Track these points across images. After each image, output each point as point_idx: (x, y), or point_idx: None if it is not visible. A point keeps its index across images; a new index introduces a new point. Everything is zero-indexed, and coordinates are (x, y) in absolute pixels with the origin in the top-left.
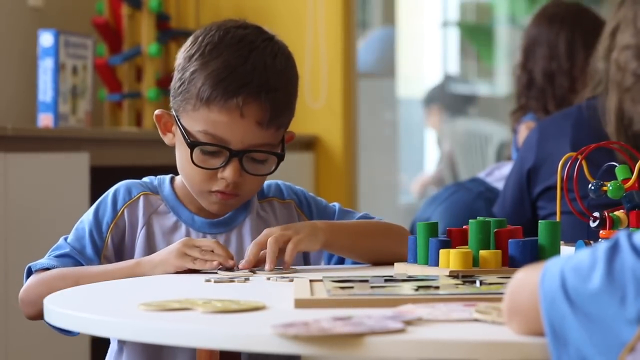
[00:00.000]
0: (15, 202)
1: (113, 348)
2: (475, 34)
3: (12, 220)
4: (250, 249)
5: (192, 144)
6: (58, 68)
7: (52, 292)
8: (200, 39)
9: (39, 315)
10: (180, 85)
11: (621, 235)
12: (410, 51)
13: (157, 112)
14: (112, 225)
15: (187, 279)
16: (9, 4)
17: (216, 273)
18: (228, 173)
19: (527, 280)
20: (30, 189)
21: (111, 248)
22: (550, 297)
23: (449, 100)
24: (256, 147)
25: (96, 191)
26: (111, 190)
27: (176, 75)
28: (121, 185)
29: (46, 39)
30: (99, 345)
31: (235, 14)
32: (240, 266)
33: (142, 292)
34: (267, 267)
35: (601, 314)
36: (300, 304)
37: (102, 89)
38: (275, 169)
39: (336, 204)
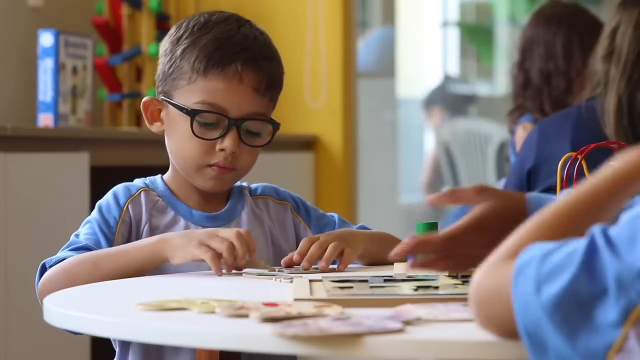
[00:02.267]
0: (15, 202)
1: (117, 351)
2: (475, 34)
3: (12, 220)
4: (304, 246)
5: (193, 112)
6: (58, 68)
7: (72, 278)
8: (184, 24)
9: None
10: (171, 67)
11: (596, 233)
12: (410, 51)
13: (144, 99)
14: (119, 221)
15: (187, 279)
16: (9, 4)
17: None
18: (227, 143)
19: (491, 287)
20: (30, 189)
21: (121, 243)
22: (524, 303)
23: (449, 101)
24: (253, 116)
25: (96, 191)
26: (109, 193)
27: (163, 61)
28: (118, 186)
29: (46, 39)
30: (99, 345)
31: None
32: (302, 266)
33: (142, 292)
34: (320, 266)
35: (581, 317)
36: None
37: (102, 89)
38: (271, 140)
39: (335, 215)
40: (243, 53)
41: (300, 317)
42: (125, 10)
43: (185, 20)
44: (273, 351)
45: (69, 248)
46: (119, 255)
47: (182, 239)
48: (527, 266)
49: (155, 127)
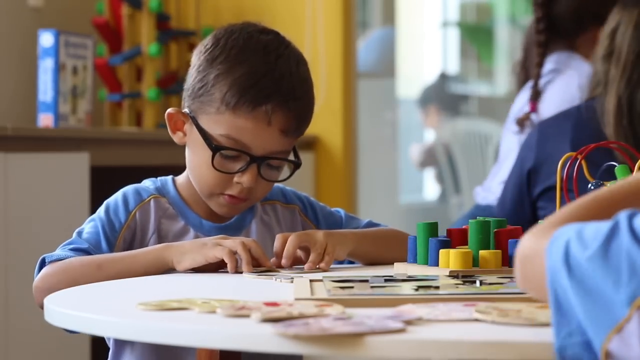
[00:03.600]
0: (15, 202)
1: (112, 350)
2: (475, 34)
3: (12, 220)
4: (287, 249)
5: (216, 147)
6: (58, 68)
7: (72, 279)
8: (222, 41)
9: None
10: (202, 87)
11: (622, 216)
12: (410, 51)
13: (169, 110)
14: (125, 226)
15: (188, 279)
16: (9, 4)
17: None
18: (246, 178)
19: (535, 249)
20: (30, 189)
21: (122, 248)
22: (553, 269)
23: (447, 100)
24: (275, 154)
25: (96, 191)
26: (119, 193)
27: (195, 76)
28: (129, 188)
29: (46, 39)
30: (99, 345)
31: (235, 14)
32: (283, 263)
33: (142, 291)
34: (306, 267)
35: (597, 290)
36: None
37: (102, 89)
38: (291, 175)
39: (341, 210)
40: (275, 96)
41: (301, 316)
42: (125, 10)
43: (223, 33)
44: (274, 351)
45: (70, 247)
46: (124, 259)
47: (191, 244)
48: (561, 237)
49: (177, 137)
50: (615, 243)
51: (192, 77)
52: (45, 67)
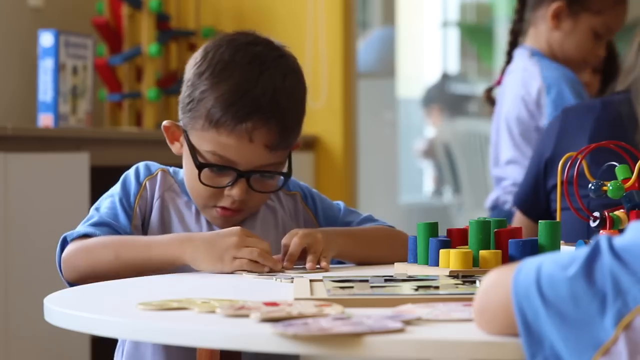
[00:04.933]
0: (15, 202)
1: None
2: (475, 34)
3: (12, 220)
4: (291, 252)
5: (201, 165)
6: (58, 68)
7: (93, 260)
8: (210, 55)
9: (80, 280)
10: (190, 102)
11: (601, 238)
12: (410, 51)
13: (165, 123)
14: (138, 197)
15: (188, 278)
16: (9, 4)
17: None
18: (235, 192)
19: (499, 278)
20: (30, 189)
21: (139, 217)
22: (524, 292)
23: (448, 100)
24: (264, 168)
25: (96, 191)
26: (131, 169)
27: (185, 90)
28: (139, 164)
29: (46, 39)
30: (99, 345)
31: (235, 14)
32: (285, 265)
33: (142, 291)
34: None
35: (576, 311)
36: None
37: (102, 89)
38: (283, 185)
39: (340, 203)
40: (256, 113)
41: (301, 316)
42: (125, 10)
43: (212, 47)
44: (274, 351)
45: (89, 223)
46: (142, 249)
47: (207, 250)
48: (529, 264)
49: (175, 148)
50: (597, 263)
51: (183, 91)
52: (45, 67)
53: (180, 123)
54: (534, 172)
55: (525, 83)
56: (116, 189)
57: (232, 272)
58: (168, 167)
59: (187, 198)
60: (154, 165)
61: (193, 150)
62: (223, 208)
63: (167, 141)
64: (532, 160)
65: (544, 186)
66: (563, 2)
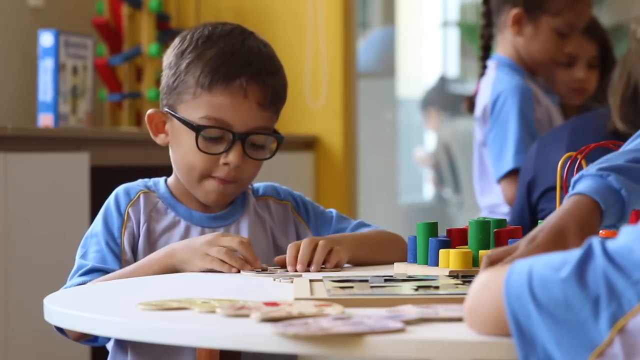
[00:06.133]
0: (15, 202)
1: (112, 349)
2: (475, 34)
3: (12, 220)
4: (291, 254)
5: (198, 128)
6: (58, 68)
7: None
8: (189, 36)
9: (82, 337)
10: (175, 80)
11: (594, 240)
12: (410, 51)
13: (149, 111)
14: (123, 229)
15: (187, 279)
16: (9, 4)
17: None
18: (232, 157)
19: (491, 280)
20: (30, 189)
21: (128, 252)
22: (515, 293)
23: (447, 101)
24: (257, 129)
25: (96, 191)
26: (111, 197)
27: (167, 73)
28: (118, 189)
29: (46, 39)
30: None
31: (235, 13)
32: (298, 269)
33: (142, 291)
34: (313, 269)
35: (569, 313)
36: None
37: (102, 89)
38: (275, 153)
39: (333, 211)
40: (248, 68)
41: (301, 316)
42: (125, 10)
43: (188, 32)
44: (274, 351)
45: (79, 273)
46: (132, 275)
47: (187, 252)
48: (521, 266)
49: (160, 139)
50: (590, 265)
51: (165, 77)
52: (45, 67)
53: (165, 109)
54: (520, 199)
55: (484, 100)
56: (99, 226)
57: (211, 271)
58: (147, 182)
59: (173, 213)
60: (133, 188)
61: (186, 122)
62: (219, 179)
63: (151, 134)
64: (518, 189)
65: (528, 205)
66: (521, 9)
